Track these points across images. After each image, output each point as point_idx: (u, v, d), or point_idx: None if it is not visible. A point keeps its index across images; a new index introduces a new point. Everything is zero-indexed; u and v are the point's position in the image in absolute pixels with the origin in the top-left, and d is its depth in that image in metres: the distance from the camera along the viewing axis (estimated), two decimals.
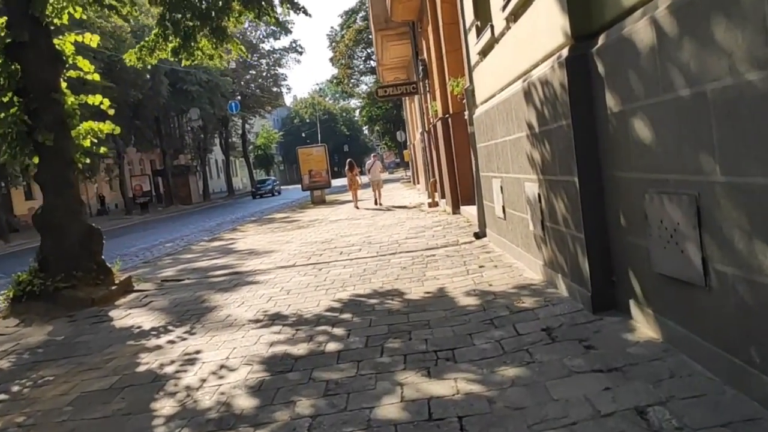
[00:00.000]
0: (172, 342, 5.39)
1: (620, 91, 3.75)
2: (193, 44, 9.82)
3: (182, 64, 10.58)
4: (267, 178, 60.46)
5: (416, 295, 5.96)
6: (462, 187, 12.82)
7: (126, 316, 6.82)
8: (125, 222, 33.59)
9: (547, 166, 5.14)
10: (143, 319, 6.52)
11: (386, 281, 6.80)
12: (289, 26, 67.80)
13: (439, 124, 13.73)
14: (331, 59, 64.46)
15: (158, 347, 5.27)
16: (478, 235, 9.06)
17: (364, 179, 25.34)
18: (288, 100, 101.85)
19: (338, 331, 4.98)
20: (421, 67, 15.86)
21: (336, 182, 43.46)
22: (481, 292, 5.62)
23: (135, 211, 40.14)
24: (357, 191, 20.96)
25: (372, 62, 52.26)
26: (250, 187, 69.62)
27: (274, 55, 65.64)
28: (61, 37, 8.60)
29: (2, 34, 7.96)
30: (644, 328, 3.80)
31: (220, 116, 50.20)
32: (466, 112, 9.34)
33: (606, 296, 4.28)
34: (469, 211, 11.74)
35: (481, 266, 6.88)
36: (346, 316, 5.47)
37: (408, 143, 31.29)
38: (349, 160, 23.61)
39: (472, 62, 8.58)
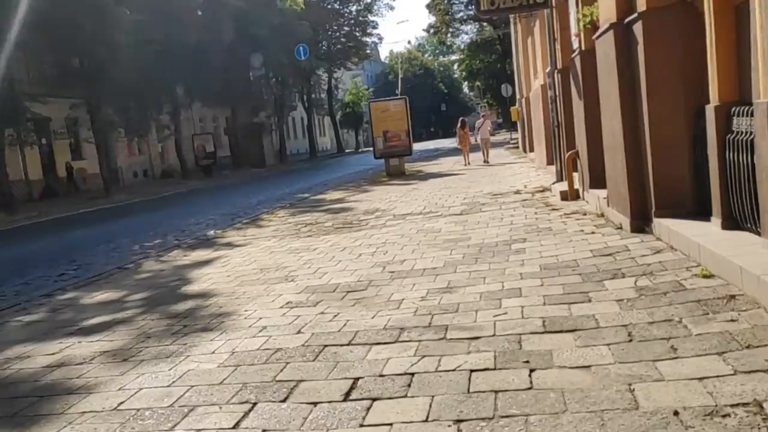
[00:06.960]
0: None
1: None
2: None
3: None
4: None
5: None
6: (660, 174, 5.85)
7: None
8: (175, 189, 28.47)
9: None
10: None
11: None
12: None
13: (602, 45, 6.74)
14: (428, 5, 57.00)
15: None
16: None
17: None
18: (383, 54, 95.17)
19: None
20: None
21: (421, 146, 37.03)
22: None
23: (197, 176, 35.06)
24: (468, 149, 21.56)
25: (473, 8, 44.34)
26: (336, 149, 64.10)
27: (364, 1, 58.75)
28: None
29: None
30: None
31: (300, 67, 43.99)
32: None
33: None
34: (690, 236, 4.76)
35: None
36: None
37: (517, 97, 23.93)
38: (461, 118, 24.14)
39: None
